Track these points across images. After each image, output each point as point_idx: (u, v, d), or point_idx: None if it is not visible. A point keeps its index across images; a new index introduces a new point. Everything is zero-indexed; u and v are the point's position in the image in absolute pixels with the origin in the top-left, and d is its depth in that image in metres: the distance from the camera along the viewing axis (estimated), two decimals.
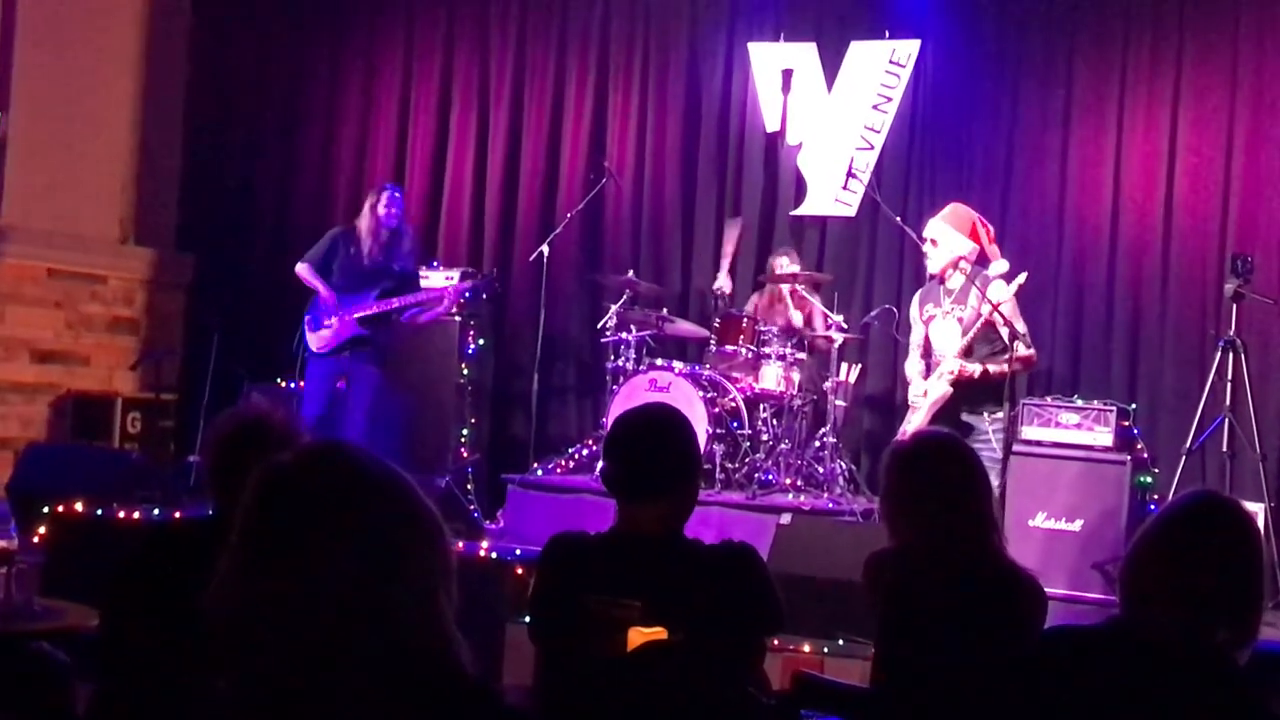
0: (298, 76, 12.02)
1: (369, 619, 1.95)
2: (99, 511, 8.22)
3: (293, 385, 9.88)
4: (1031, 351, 8.29)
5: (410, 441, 9.93)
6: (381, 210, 9.30)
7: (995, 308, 7.89)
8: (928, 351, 8.40)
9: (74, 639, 4.67)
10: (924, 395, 8.20)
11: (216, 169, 12.13)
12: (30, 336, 11.08)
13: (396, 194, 9.48)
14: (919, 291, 8.68)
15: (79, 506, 8.24)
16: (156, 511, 8.32)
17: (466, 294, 9.67)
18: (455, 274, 10.25)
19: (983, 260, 8.32)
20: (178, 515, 8.08)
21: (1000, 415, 8.00)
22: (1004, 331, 7.90)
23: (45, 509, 8.21)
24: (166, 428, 11.28)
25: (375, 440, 9.54)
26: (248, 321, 10.74)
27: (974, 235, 8.31)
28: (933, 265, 8.36)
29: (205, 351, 10.63)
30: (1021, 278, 8.10)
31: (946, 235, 8.29)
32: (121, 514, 8.21)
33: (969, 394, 8.14)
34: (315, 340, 9.27)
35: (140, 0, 11.87)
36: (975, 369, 8.05)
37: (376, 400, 9.35)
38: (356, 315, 9.15)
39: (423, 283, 9.89)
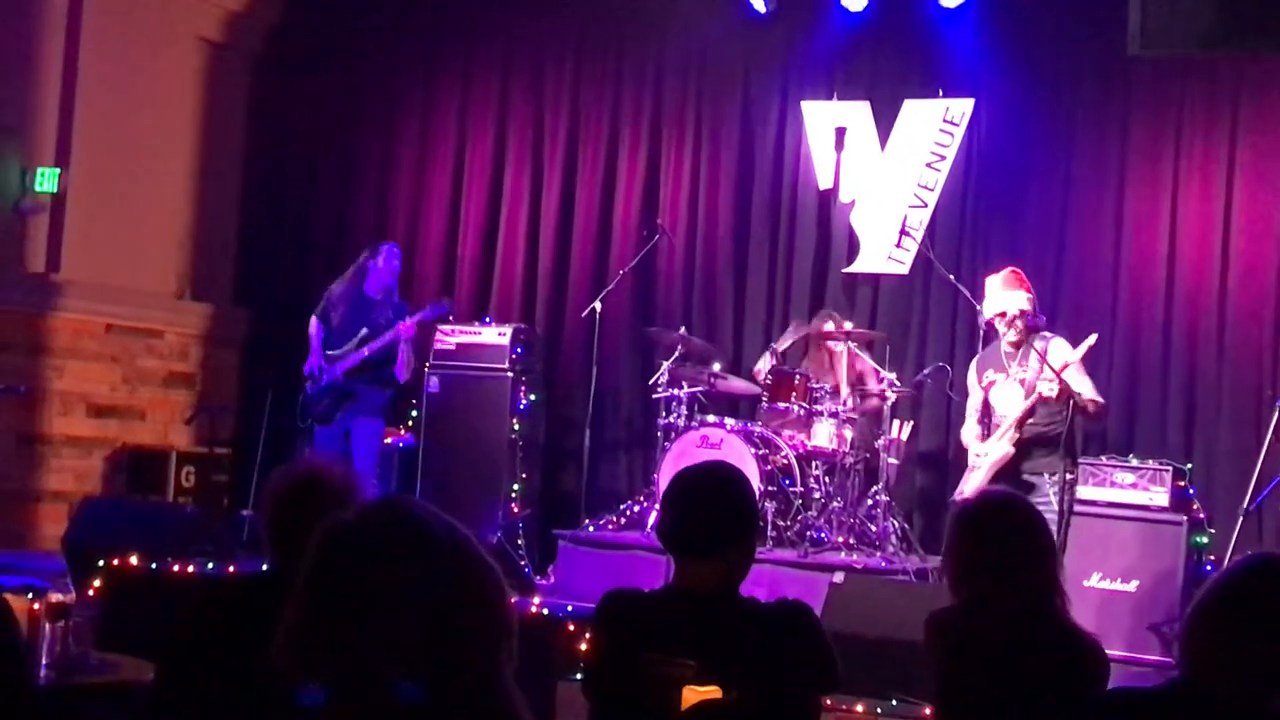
0: (354, 135, 12.13)
1: (429, 673, 1.95)
2: (154, 565, 8.26)
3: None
4: (1101, 401, 8.24)
5: (461, 496, 9.95)
6: (380, 263, 9.49)
7: (1057, 373, 7.84)
8: (985, 417, 8.33)
9: (129, 693, 4.69)
10: (984, 455, 8.15)
11: (273, 225, 12.24)
12: (87, 391, 11.17)
13: (396, 249, 9.71)
14: (976, 358, 8.59)
15: (134, 560, 8.28)
16: (211, 566, 8.36)
17: (422, 319, 9.66)
18: (508, 330, 10.31)
19: (1036, 311, 8.28)
20: (232, 569, 8.12)
21: (1058, 477, 7.96)
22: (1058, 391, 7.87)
23: (101, 563, 8.26)
24: (221, 482, 11.34)
25: (426, 495, 9.61)
26: (302, 377, 10.75)
27: (1025, 286, 8.29)
28: (1016, 333, 8.23)
29: (260, 406, 10.69)
30: (1092, 339, 8.04)
31: (1012, 299, 8.21)
32: (176, 568, 8.25)
33: (1030, 454, 8.09)
34: (314, 405, 9.45)
35: (199, 58, 12.01)
36: (1054, 389, 7.91)
37: (379, 450, 9.59)
38: (341, 371, 9.28)
39: (472, 339, 9.99)
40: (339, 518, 2.06)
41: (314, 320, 9.63)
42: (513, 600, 2.12)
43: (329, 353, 9.43)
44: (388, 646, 1.94)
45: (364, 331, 9.40)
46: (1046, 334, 8.27)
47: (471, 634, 2.00)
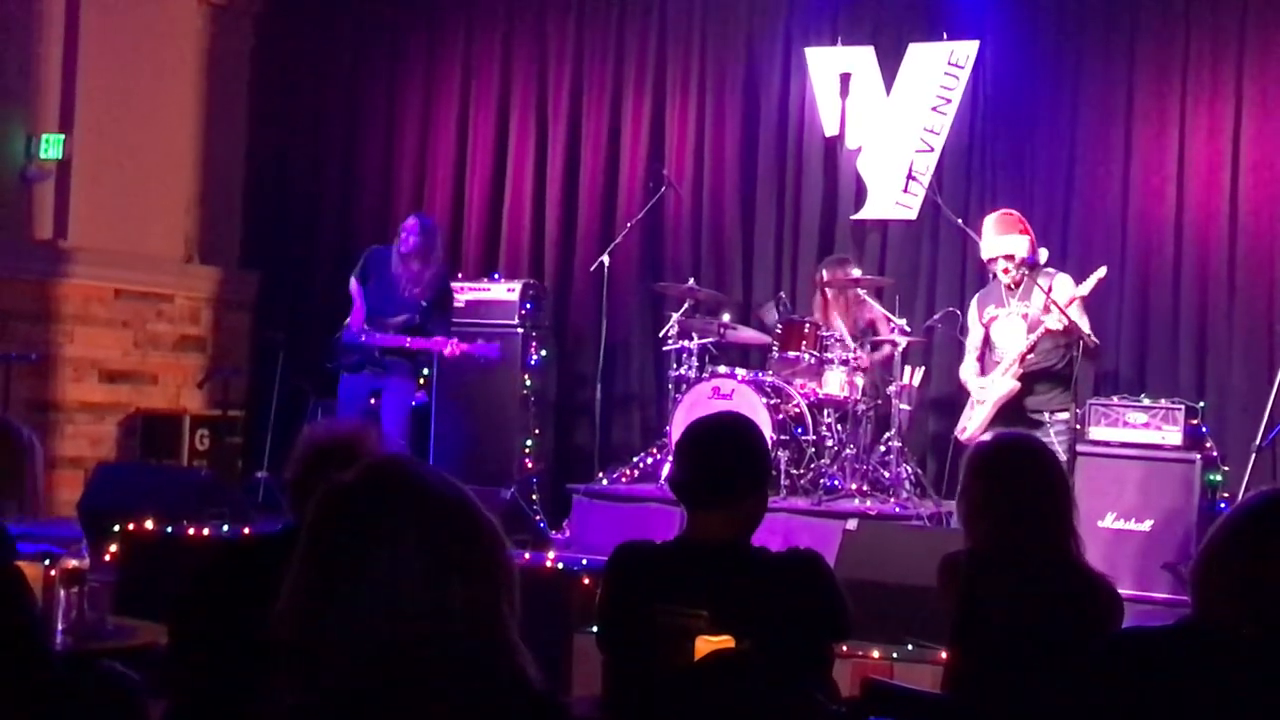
0: (358, 92, 12.09)
1: (432, 632, 1.95)
2: (169, 529, 8.28)
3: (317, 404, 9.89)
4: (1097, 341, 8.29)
5: (475, 453, 9.97)
6: (400, 237, 9.34)
7: (1063, 310, 7.85)
8: (984, 353, 8.36)
9: (146, 656, 4.70)
10: (986, 391, 8.16)
11: (279, 187, 12.22)
12: (99, 356, 11.19)
13: (410, 222, 9.45)
14: (977, 295, 8.65)
15: (149, 524, 8.30)
16: (226, 528, 8.38)
17: (468, 353, 9.47)
18: (517, 285, 10.30)
19: (1033, 251, 8.30)
20: (247, 531, 8.15)
21: (1064, 417, 7.99)
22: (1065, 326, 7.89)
23: (116, 527, 8.28)
24: (234, 444, 11.38)
25: (439, 452, 9.61)
26: (312, 338, 10.77)
27: (1025, 230, 8.30)
28: (1013, 277, 8.27)
29: (271, 368, 10.70)
30: (1101, 272, 8.04)
31: (1010, 244, 8.23)
32: (191, 531, 8.27)
33: (1034, 390, 8.11)
34: (345, 355, 9.36)
35: (201, 21, 11.97)
36: (1061, 322, 7.93)
37: (409, 410, 9.46)
38: (378, 344, 9.21)
39: (481, 295, 9.95)
40: (338, 478, 2.07)
41: (353, 281, 9.45)
42: (517, 555, 2.13)
43: (378, 318, 9.28)
44: (388, 604, 1.94)
45: (413, 319, 9.22)
46: (1050, 270, 8.29)
47: (472, 590, 2.00)
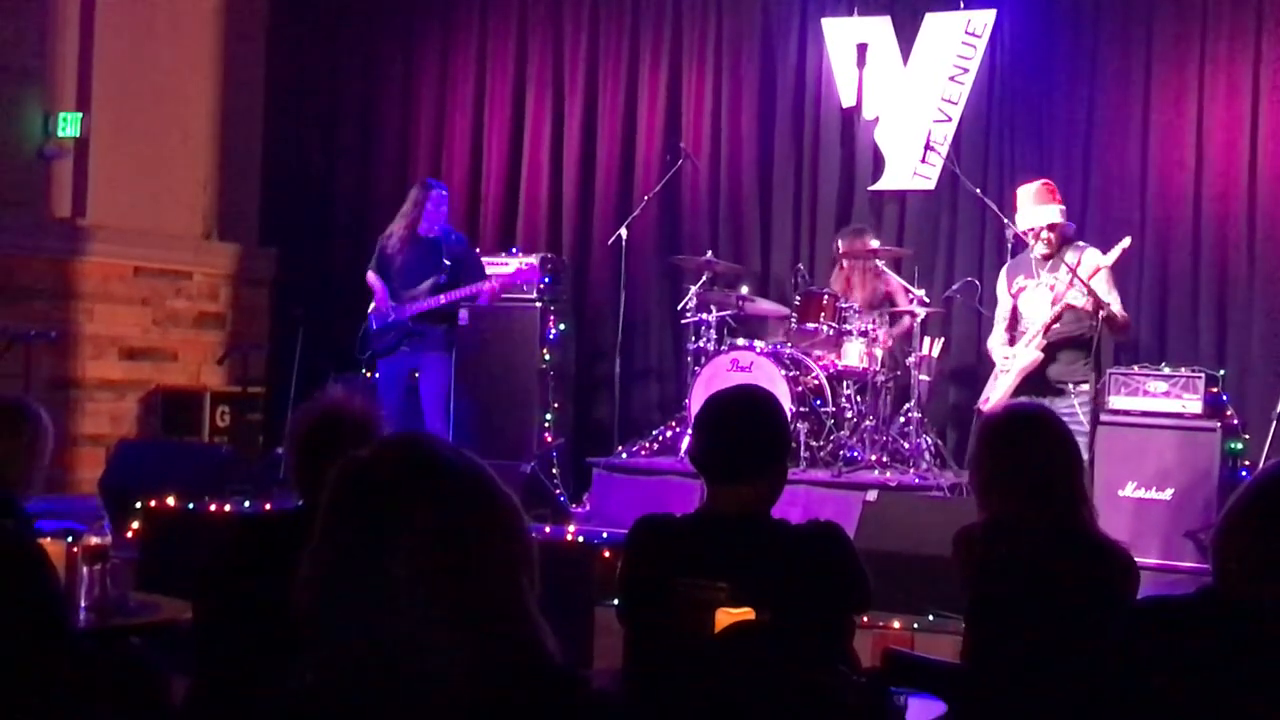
0: (374, 67, 12.09)
1: (451, 608, 1.96)
2: (191, 505, 8.32)
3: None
4: (1126, 315, 8.27)
5: (494, 427, 9.98)
6: (430, 207, 9.28)
7: (1085, 283, 7.82)
8: (1013, 324, 8.32)
9: (169, 633, 4.72)
10: (1011, 360, 8.14)
11: (297, 163, 12.23)
12: (118, 334, 11.23)
13: (434, 192, 9.40)
14: (1007, 265, 8.56)
15: (171, 501, 8.35)
16: (247, 504, 8.41)
17: (509, 282, 9.55)
18: (535, 259, 10.29)
19: (1067, 220, 8.27)
20: (268, 507, 8.17)
21: (1087, 387, 7.96)
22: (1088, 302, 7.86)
23: (138, 504, 8.33)
24: (255, 420, 11.40)
25: (459, 427, 9.62)
26: (332, 313, 10.79)
27: (1057, 198, 8.25)
28: (1053, 247, 8.21)
29: (291, 344, 10.70)
30: (1125, 242, 8.00)
31: (1050, 214, 8.18)
32: (213, 507, 8.30)
33: (1057, 358, 8.08)
34: (377, 339, 9.34)
35: None
36: (1082, 298, 7.91)
37: (449, 386, 9.42)
38: (410, 314, 9.17)
39: (498, 269, 9.95)
40: (355, 456, 2.07)
41: (371, 274, 9.42)
42: (537, 529, 2.14)
43: (403, 293, 9.27)
44: (406, 581, 1.95)
45: (440, 279, 9.21)
46: (1081, 244, 8.24)
47: (491, 566, 2.00)
